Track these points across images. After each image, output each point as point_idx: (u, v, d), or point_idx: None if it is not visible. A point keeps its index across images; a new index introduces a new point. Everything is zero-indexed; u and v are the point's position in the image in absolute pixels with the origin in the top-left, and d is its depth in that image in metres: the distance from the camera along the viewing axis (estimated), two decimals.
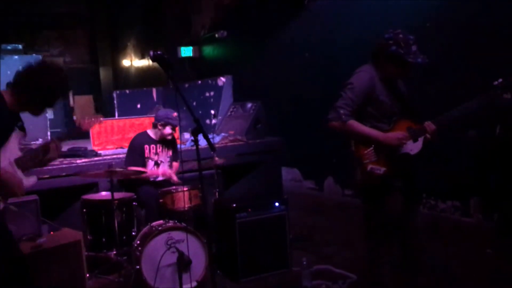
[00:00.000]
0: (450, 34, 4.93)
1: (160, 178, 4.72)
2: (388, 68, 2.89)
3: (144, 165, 4.64)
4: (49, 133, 6.72)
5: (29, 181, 2.76)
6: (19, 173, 2.69)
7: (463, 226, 4.89)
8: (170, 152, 4.82)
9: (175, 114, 4.67)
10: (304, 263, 3.80)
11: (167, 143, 4.78)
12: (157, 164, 4.72)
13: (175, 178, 4.70)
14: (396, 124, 2.91)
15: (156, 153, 4.73)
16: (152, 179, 4.68)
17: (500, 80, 2.74)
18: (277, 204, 4.18)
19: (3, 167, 2.55)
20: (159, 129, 4.66)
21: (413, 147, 2.91)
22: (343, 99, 2.83)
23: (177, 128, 4.74)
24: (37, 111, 2.73)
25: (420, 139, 2.92)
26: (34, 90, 2.62)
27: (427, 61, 2.81)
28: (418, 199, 3.88)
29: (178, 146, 4.90)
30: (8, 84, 2.65)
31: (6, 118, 2.60)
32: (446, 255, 4.18)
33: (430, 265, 3.98)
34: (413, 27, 5.09)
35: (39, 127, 6.44)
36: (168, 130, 4.65)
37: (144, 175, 4.50)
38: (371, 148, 2.83)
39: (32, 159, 2.78)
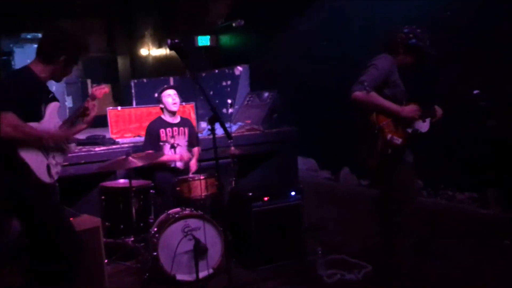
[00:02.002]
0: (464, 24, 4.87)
1: (179, 164, 4.75)
2: (407, 59, 3.18)
3: (160, 149, 4.70)
4: None
5: (71, 146, 3.00)
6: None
7: (480, 218, 4.84)
8: (187, 136, 4.85)
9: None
10: (319, 252, 3.81)
11: (183, 125, 4.82)
12: (173, 147, 4.75)
13: (193, 167, 4.72)
14: (407, 105, 3.13)
15: (172, 136, 4.77)
16: (172, 165, 4.73)
17: (477, 91, 3.25)
18: (292, 193, 4.19)
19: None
20: (164, 106, 4.75)
21: (423, 126, 3.17)
22: (367, 75, 3.02)
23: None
24: (63, 75, 2.89)
25: (427, 120, 3.20)
26: (63, 52, 2.74)
27: (438, 53, 3.16)
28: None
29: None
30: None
31: (40, 89, 2.76)
32: (463, 247, 4.15)
33: (448, 256, 3.99)
34: (429, 16, 5.06)
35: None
36: (168, 99, 4.73)
37: (162, 159, 4.55)
38: (390, 119, 3.03)
39: (72, 125, 2.95)
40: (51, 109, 2.83)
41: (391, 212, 3.14)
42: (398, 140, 3.00)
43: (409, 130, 3.09)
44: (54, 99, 2.91)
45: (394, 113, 3.02)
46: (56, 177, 2.82)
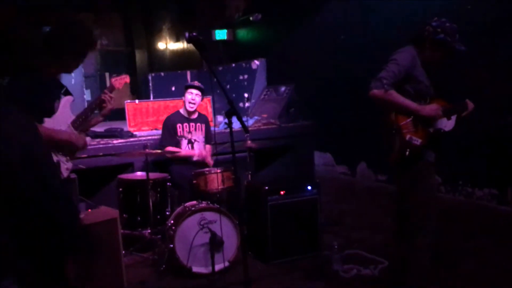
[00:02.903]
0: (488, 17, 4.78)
1: (195, 158, 4.78)
2: (434, 54, 3.02)
3: (177, 143, 4.73)
4: None
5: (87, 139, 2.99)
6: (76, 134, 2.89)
7: (500, 215, 4.78)
8: (204, 133, 4.87)
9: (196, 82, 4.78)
10: (335, 247, 3.80)
11: (200, 121, 4.84)
12: (190, 142, 4.79)
13: (210, 161, 4.76)
14: (431, 102, 3.02)
15: (189, 132, 4.80)
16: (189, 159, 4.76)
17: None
18: (309, 187, 4.18)
19: (65, 130, 2.76)
20: (184, 101, 4.77)
21: (447, 124, 3.04)
22: (386, 71, 2.90)
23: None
24: (73, 68, 2.87)
25: (453, 118, 3.06)
26: (71, 46, 2.71)
27: (466, 49, 2.99)
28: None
29: (212, 128, 4.95)
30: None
31: (49, 85, 2.75)
32: (482, 244, 4.10)
33: (466, 253, 3.94)
34: (451, 10, 4.98)
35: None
36: (188, 96, 4.75)
37: (178, 154, 4.59)
38: (410, 119, 2.92)
39: (86, 118, 2.94)
40: (63, 103, 2.83)
41: (407, 212, 3.04)
42: (417, 141, 2.90)
43: (431, 130, 2.97)
44: (67, 93, 2.92)
45: (413, 112, 2.91)
46: (66, 173, 2.79)
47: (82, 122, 2.91)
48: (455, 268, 3.67)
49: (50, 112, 2.73)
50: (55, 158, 2.72)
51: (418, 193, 3.00)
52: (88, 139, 3.12)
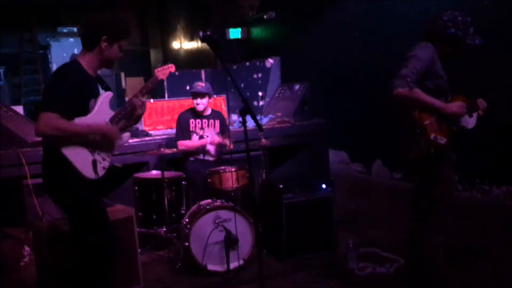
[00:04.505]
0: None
1: (209, 147, 4.80)
2: (445, 49, 2.95)
3: (189, 139, 4.77)
4: None
5: (124, 136, 2.95)
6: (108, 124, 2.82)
7: None
8: (218, 129, 4.89)
9: (200, 83, 4.77)
10: (351, 245, 3.79)
11: (213, 118, 4.86)
12: (202, 138, 4.82)
13: (227, 142, 4.67)
14: (453, 99, 2.96)
15: (202, 128, 4.83)
16: (202, 157, 4.78)
17: None
18: (324, 185, 4.17)
19: (95, 122, 2.69)
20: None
21: (469, 122, 2.99)
22: (408, 68, 2.81)
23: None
24: (112, 60, 2.79)
25: (474, 115, 3.01)
26: (101, 32, 2.68)
27: (483, 42, 2.91)
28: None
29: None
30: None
31: (86, 83, 2.69)
32: (500, 242, 4.05)
33: (482, 252, 3.90)
34: (466, 5, 4.91)
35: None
36: (193, 101, 4.79)
37: (192, 145, 4.62)
38: (434, 118, 2.85)
39: (124, 117, 2.88)
40: (102, 100, 2.76)
41: (426, 207, 2.99)
42: (442, 140, 2.83)
43: (455, 128, 2.91)
44: (107, 88, 2.87)
45: (439, 110, 2.83)
46: (101, 172, 2.75)
47: (118, 121, 2.85)
48: (471, 266, 3.64)
49: (85, 110, 2.67)
50: (91, 158, 2.67)
51: (436, 191, 2.96)
52: (127, 135, 3.00)
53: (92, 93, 2.74)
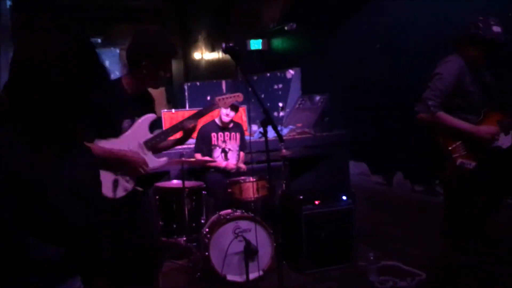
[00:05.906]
0: None
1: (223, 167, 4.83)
2: (475, 53, 2.82)
3: (210, 152, 4.78)
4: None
5: (158, 161, 2.80)
6: (149, 154, 2.72)
7: None
8: (238, 141, 4.91)
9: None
10: (371, 258, 3.75)
11: (235, 131, 4.88)
12: (224, 151, 4.84)
13: (242, 166, 4.79)
14: (486, 116, 2.81)
15: (224, 141, 4.85)
16: (222, 167, 4.81)
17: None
18: (344, 197, 4.15)
19: (131, 148, 2.63)
20: (220, 112, 4.79)
21: (505, 141, 2.80)
22: (432, 90, 2.72)
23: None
24: (157, 82, 2.67)
25: (511, 132, 2.82)
26: (144, 57, 2.55)
27: (508, 37, 2.74)
28: (506, 194, 3.66)
29: (247, 137, 4.98)
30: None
31: (123, 103, 2.60)
32: None
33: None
34: (493, 15, 4.84)
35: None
36: (223, 110, 4.73)
37: (209, 165, 4.66)
38: (460, 142, 2.73)
39: (163, 140, 2.80)
40: (140, 122, 2.68)
41: (455, 228, 2.89)
42: (471, 165, 2.69)
43: (486, 149, 2.75)
44: (150, 110, 2.75)
45: (467, 134, 2.70)
46: (121, 194, 2.62)
47: (156, 144, 2.75)
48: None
49: (117, 131, 2.60)
50: (112, 176, 2.58)
51: (467, 209, 2.84)
52: (163, 160, 2.87)
53: (127, 113, 2.65)
